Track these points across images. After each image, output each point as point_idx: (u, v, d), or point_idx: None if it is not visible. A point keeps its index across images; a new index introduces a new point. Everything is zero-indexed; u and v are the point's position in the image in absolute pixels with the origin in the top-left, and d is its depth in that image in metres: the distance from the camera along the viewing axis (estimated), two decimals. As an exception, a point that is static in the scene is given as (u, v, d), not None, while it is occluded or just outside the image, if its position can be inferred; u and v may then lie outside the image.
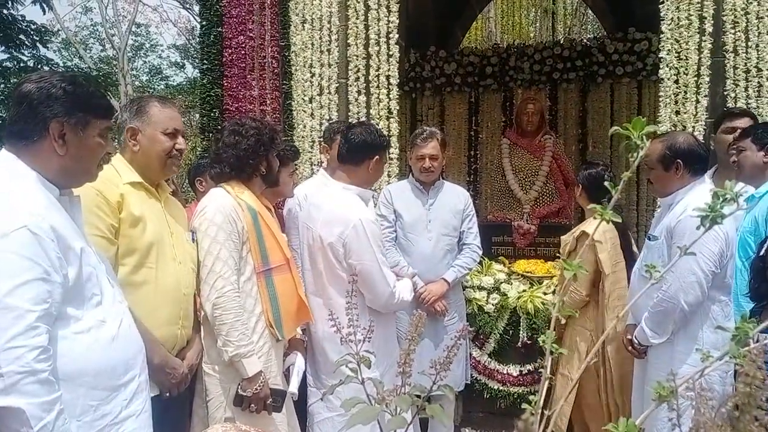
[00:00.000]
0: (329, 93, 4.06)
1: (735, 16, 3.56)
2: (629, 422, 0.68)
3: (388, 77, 3.97)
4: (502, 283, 3.76)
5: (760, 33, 3.54)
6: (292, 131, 4.12)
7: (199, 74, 4.81)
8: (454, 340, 0.85)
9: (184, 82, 20.03)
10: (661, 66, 3.67)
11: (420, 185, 3.40)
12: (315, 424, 2.63)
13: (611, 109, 6.31)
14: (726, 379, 2.35)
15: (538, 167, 4.84)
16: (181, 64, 21.58)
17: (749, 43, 3.55)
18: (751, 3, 3.52)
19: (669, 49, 3.60)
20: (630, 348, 2.71)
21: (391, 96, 3.98)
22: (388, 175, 3.98)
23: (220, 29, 4.28)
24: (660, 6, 3.62)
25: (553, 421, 0.74)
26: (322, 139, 3.64)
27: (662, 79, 3.66)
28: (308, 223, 2.69)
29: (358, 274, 2.52)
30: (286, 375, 2.49)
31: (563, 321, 3.38)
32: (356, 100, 4.01)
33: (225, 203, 2.26)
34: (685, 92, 3.58)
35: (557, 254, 3.81)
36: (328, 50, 4.05)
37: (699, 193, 2.51)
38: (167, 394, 2.05)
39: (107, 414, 1.53)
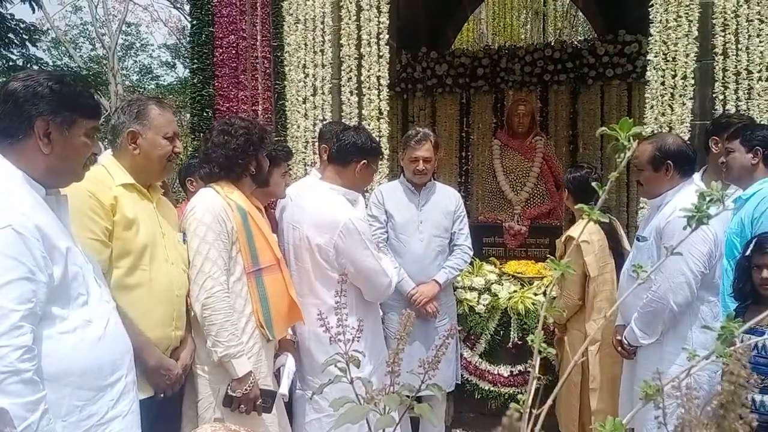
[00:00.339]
0: (323, 93, 4.06)
1: (725, 19, 3.58)
2: (616, 421, 0.69)
3: (378, 78, 3.97)
4: (492, 283, 3.76)
5: (750, 36, 3.56)
6: (285, 131, 4.11)
7: (189, 74, 4.79)
8: (442, 339, 0.86)
9: (175, 82, 19.95)
10: (648, 68, 3.69)
11: (412, 186, 3.41)
12: (302, 425, 2.62)
13: (601, 110, 6.34)
14: (714, 379, 2.37)
15: (528, 168, 4.86)
16: (171, 63, 21.50)
17: (739, 46, 3.57)
18: (742, 6, 3.55)
19: (657, 52, 3.63)
20: (619, 349, 2.73)
21: (381, 97, 3.98)
22: (380, 176, 3.97)
23: (211, 29, 4.26)
24: (649, 9, 3.64)
25: (540, 422, 0.75)
26: (318, 140, 3.63)
27: (649, 81, 3.69)
28: (293, 223, 2.69)
29: (355, 272, 2.55)
30: (277, 376, 2.48)
31: (553, 324, 3.41)
32: (349, 100, 4.01)
33: (214, 203, 2.26)
34: (672, 94, 3.60)
35: (548, 255, 3.82)
36: (322, 51, 4.04)
37: (687, 193, 2.52)
38: (161, 395, 2.05)
39: (93, 414, 1.52)
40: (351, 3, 3.96)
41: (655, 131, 3.54)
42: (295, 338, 2.66)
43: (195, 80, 4.41)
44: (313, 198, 2.72)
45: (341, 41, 4.00)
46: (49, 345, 1.46)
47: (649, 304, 2.51)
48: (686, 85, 3.60)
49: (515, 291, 3.72)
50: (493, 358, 3.70)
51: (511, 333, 3.65)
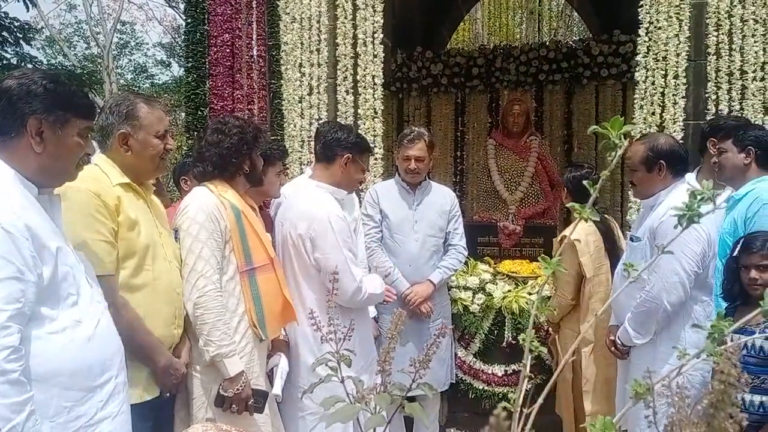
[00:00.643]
0: (318, 93, 4.05)
1: (718, 19, 3.59)
2: (606, 420, 0.68)
3: (373, 77, 3.97)
4: (487, 283, 3.76)
5: (744, 36, 3.57)
6: (281, 131, 4.10)
7: (184, 73, 4.77)
8: (433, 338, 0.85)
9: (170, 81, 19.90)
10: (637, 69, 3.70)
11: (407, 186, 3.40)
12: (286, 425, 2.62)
13: (596, 110, 6.35)
14: (707, 379, 2.38)
15: (523, 168, 4.87)
16: (166, 62, 21.44)
17: (733, 46, 3.58)
18: (735, 6, 3.55)
19: (646, 52, 3.63)
20: (613, 349, 2.73)
21: (376, 96, 3.98)
22: (374, 175, 3.97)
23: (205, 27, 4.24)
24: (639, 9, 3.65)
25: (529, 422, 0.74)
26: (314, 139, 3.63)
27: (638, 81, 3.70)
28: (281, 220, 2.73)
29: (323, 269, 2.56)
30: (270, 376, 2.48)
31: (547, 323, 3.42)
32: (344, 99, 4.00)
33: (207, 202, 2.25)
34: (663, 94, 3.60)
35: (542, 255, 3.82)
36: (318, 50, 4.03)
37: (680, 193, 2.53)
38: (167, 395, 2.06)
39: (82, 415, 1.51)
40: (347, 2, 3.96)
41: (644, 131, 3.54)
42: (287, 338, 2.65)
43: (189, 79, 4.39)
44: (300, 195, 2.76)
45: (337, 40, 3.99)
46: (37, 345, 1.45)
47: (642, 303, 2.52)
48: (678, 85, 3.61)
49: (509, 290, 3.73)
50: (487, 357, 3.70)
51: (506, 332, 3.64)
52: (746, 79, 3.58)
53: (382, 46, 3.98)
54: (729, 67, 3.60)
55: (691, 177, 2.78)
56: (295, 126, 4.04)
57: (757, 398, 2.21)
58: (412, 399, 0.87)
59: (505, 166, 4.92)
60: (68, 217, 1.79)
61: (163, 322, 2.05)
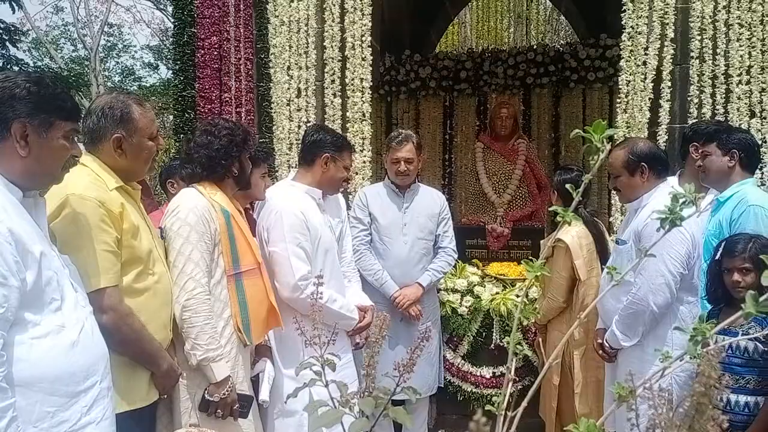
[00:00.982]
0: (306, 96, 4.05)
1: (702, 24, 3.62)
2: (590, 422, 0.69)
3: (362, 80, 3.97)
4: (475, 285, 3.77)
5: (729, 40, 3.60)
6: (269, 133, 4.09)
7: (172, 75, 4.74)
8: (417, 342, 0.85)
9: (158, 84, 19.79)
10: (620, 73, 3.73)
11: (396, 188, 3.40)
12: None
13: (583, 114, 6.41)
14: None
15: (511, 171, 4.89)
16: (154, 65, 21.33)
17: (717, 51, 3.61)
18: (720, 11, 3.59)
19: (629, 57, 3.66)
20: (600, 352, 2.74)
21: (365, 99, 3.98)
22: (362, 178, 3.97)
23: (192, 29, 4.23)
24: (622, 14, 3.68)
25: (513, 425, 0.74)
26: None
27: (620, 87, 3.72)
28: (259, 222, 2.77)
29: (268, 259, 2.57)
30: (254, 382, 2.46)
31: (534, 325, 3.43)
32: (332, 102, 4.00)
33: (198, 204, 2.22)
34: (645, 98, 3.62)
35: (529, 258, 3.83)
36: (306, 53, 4.03)
37: (663, 195, 2.55)
38: (164, 397, 2.06)
39: (65, 421, 1.49)
40: (334, 5, 3.96)
41: (628, 135, 3.57)
42: (270, 343, 2.63)
43: (177, 81, 4.38)
44: (273, 194, 2.80)
45: (324, 43, 3.99)
46: (20, 350, 1.43)
47: (629, 306, 2.53)
48: (663, 89, 3.64)
49: (498, 293, 3.74)
50: (475, 359, 3.71)
51: (494, 334, 3.66)
52: (731, 83, 3.61)
53: (370, 49, 3.98)
54: (713, 71, 3.63)
55: (673, 180, 2.80)
56: (283, 129, 4.02)
57: (742, 398, 2.22)
58: (400, 403, 0.88)
59: (493, 169, 4.94)
60: (74, 227, 1.77)
61: (161, 326, 2.04)
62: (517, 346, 0.85)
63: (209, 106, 4.14)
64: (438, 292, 3.64)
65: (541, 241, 3.41)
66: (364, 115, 3.99)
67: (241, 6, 4.18)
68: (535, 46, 6.76)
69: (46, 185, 1.62)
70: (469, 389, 3.70)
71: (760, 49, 3.58)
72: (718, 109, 3.61)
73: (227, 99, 4.15)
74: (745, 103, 3.60)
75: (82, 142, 2.01)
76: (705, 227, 2.72)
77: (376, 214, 3.34)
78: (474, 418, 0.53)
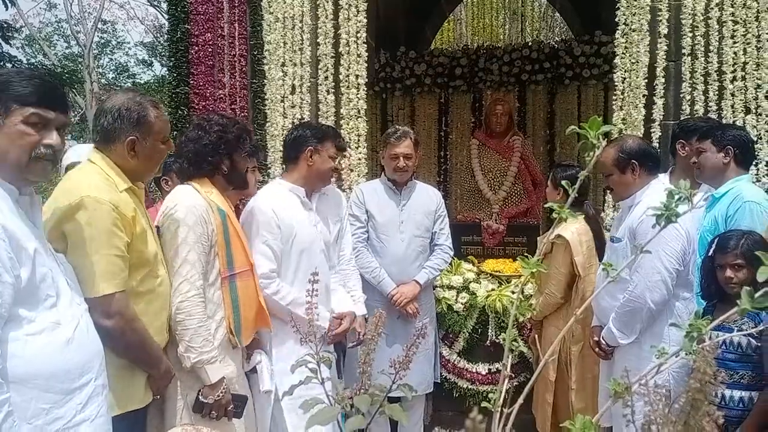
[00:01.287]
0: (301, 92, 4.03)
1: (694, 21, 3.63)
2: (586, 419, 0.69)
3: (357, 77, 3.96)
4: (470, 282, 3.78)
5: (723, 37, 3.61)
6: (262, 130, 4.08)
7: (167, 72, 4.72)
8: (413, 340, 0.85)
9: (152, 80, 19.73)
10: (615, 70, 3.73)
11: (393, 185, 3.39)
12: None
13: (579, 110, 6.41)
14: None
15: (506, 168, 4.90)
16: (148, 61, 21.26)
17: (710, 48, 3.62)
18: (712, 9, 3.59)
19: (623, 53, 3.66)
20: (596, 349, 2.74)
21: (359, 96, 3.97)
22: (358, 175, 3.96)
23: (186, 26, 4.21)
24: (616, 11, 3.68)
25: (510, 422, 0.74)
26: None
27: (615, 84, 3.72)
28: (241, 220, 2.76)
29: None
30: (248, 376, 2.45)
31: (529, 321, 3.43)
32: (326, 99, 3.99)
33: (196, 203, 2.18)
34: (638, 95, 3.62)
35: (525, 255, 3.83)
36: (300, 49, 4.02)
37: (656, 191, 2.55)
38: (157, 397, 2.05)
39: (60, 417, 1.49)
40: (328, 2, 3.95)
41: (623, 131, 3.57)
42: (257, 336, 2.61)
43: (170, 78, 4.36)
44: (259, 192, 2.79)
45: (318, 40, 3.98)
46: (15, 347, 1.43)
47: (626, 304, 2.53)
48: (657, 85, 3.64)
49: (493, 289, 3.74)
50: (471, 356, 3.71)
51: (489, 331, 3.66)
52: (724, 80, 3.62)
53: (365, 45, 3.97)
54: (705, 68, 3.63)
55: (664, 178, 2.80)
56: (277, 126, 4.01)
57: (737, 394, 2.24)
58: (396, 400, 0.87)
59: (489, 165, 4.94)
60: (87, 231, 1.76)
61: (160, 328, 2.04)
62: (513, 343, 0.85)
63: (203, 103, 4.12)
64: (434, 289, 3.64)
65: (538, 238, 3.40)
66: (359, 112, 3.98)
67: (236, 2, 4.16)
68: (530, 43, 6.76)
69: (16, 177, 1.53)
70: (465, 386, 3.71)
71: (755, 46, 3.58)
72: (710, 106, 3.62)
73: (221, 96, 4.14)
74: (741, 100, 3.60)
75: (94, 140, 1.98)
76: (700, 223, 2.73)
77: (373, 211, 3.34)
78: (470, 416, 0.53)
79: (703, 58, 3.63)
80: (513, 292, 3.69)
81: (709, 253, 2.40)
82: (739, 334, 2.19)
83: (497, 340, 3.63)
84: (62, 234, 1.76)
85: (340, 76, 3.97)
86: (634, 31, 3.61)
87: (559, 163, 3.53)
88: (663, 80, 3.64)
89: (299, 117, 4.00)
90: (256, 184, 2.76)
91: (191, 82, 4.18)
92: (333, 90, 3.99)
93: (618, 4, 3.67)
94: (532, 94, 6.62)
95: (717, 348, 2.22)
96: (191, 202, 2.18)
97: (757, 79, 3.58)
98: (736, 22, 3.59)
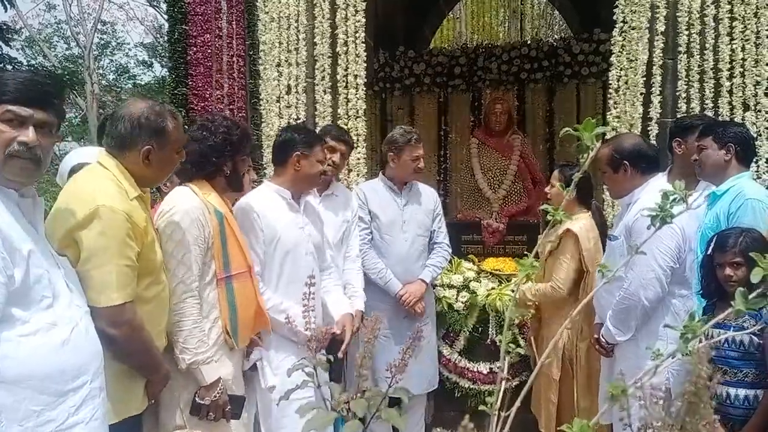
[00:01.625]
0: (297, 92, 4.03)
1: (690, 19, 3.62)
2: (583, 423, 0.68)
3: (356, 77, 3.95)
4: (471, 281, 3.77)
5: (719, 35, 3.60)
6: (258, 130, 4.08)
7: (168, 73, 4.73)
8: (409, 342, 0.85)
9: (153, 81, 19.74)
10: (612, 68, 3.72)
11: (394, 185, 3.39)
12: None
13: (578, 108, 6.40)
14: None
15: (506, 166, 4.90)
16: (148, 62, 21.26)
17: (706, 45, 3.61)
18: (708, 6, 3.58)
19: (620, 51, 3.66)
20: (597, 347, 2.75)
21: (358, 96, 3.96)
22: (357, 175, 3.96)
23: (184, 27, 4.21)
24: (614, 9, 3.68)
25: (507, 424, 0.74)
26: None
27: (611, 82, 3.71)
28: None
29: None
30: (248, 374, 2.44)
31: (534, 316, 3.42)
32: (322, 99, 3.98)
33: (193, 206, 2.18)
34: (635, 93, 3.61)
35: (526, 253, 3.80)
36: (296, 49, 4.01)
37: (654, 190, 2.55)
38: (152, 401, 2.05)
39: (52, 420, 1.48)
40: (324, 1, 3.94)
41: (619, 130, 3.57)
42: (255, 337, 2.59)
43: (170, 79, 4.37)
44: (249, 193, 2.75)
45: (315, 40, 3.97)
46: (7, 347, 1.42)
47: (621, 301, 2.54)
48: (654, 83, 3.63)
49: (493, 288, 3.74)
50: (472, 355, 3.71)
51: (490, 330, 3.66)
52: (720, 78, 3.61)
53: (364, 45, 3.97)
54: (701, 65, 3.62)
55: (662, 177, 2.80)
56: (272, 126, 4.00)
57: (741, 392, 2.23)
58: (398, 400, 0.86)
59: (488, 164, 4.95)
60: (102, 241, 1.75)
61: (161, 332, 2.04)
62: (510, 345, 0.85)
63: (202, 104, 4.12)
64: (434, 288, 3.64)
65: (539, 236, 3.37)
66: (358, 112, 3.98)
67: (233, 2, 4.16)
68: (529, 42, 6.75)
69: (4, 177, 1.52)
70: (466, 385, 3.70)
71: (754, 42, 3.57)
72: (707, 104, 3.61)
73: (219, 96, 4.14)
74: (739, 97, 3.59)
75: (109, 145, 1.97)
76: (701, 221, 2.73)
77: (376, 211, 3.33)
78: (462, 424, 0.52)
79: (698, 56, 3.62)
80: (513, 291, 3.68)
81: (709, 252, 2.40)
82: (741, 333, 2.18)
83: (497, 339, 3.62)
84: (74, 242, 1.75)
85: (338, 76, 3.97)
86: (633, 28, 3.60)
87: (562, 163, 3.50)
88: (660, 78, 3.63)
89: (295, 117, 3.99)
90: (251, 184, 2.72)
91: (190, 83, 4.18)
92: (330, 90, 3.98)
93: (617, 2, 3.66)
94: (531, 93, 6.61)
95: (714, 349, 2.20)
96: (188, 205, 2.17)
97: (756, 75, 3.56)
98: (734, 19, 3.57)
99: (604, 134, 0.80)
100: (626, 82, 3.65)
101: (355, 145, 3.93)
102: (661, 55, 3.63)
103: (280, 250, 2.60)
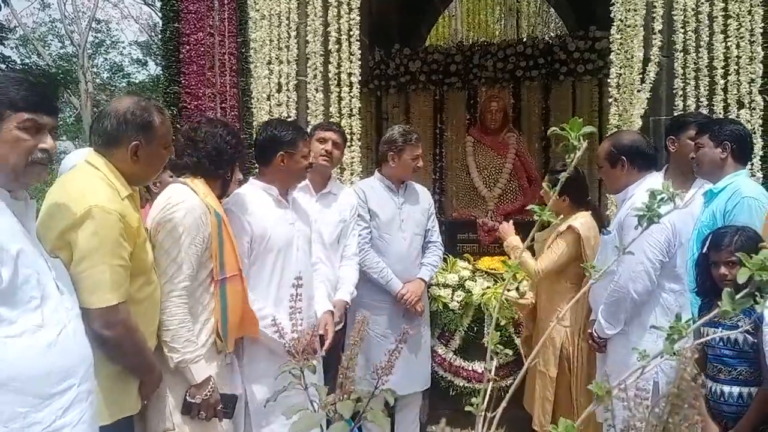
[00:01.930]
0: (287, 90, 4.01)
1: (686, 16, 3.62)
2: (568, 423, 0.68)
3: (350, 75, 3.94)
4: (466, 280, 3.77)
5: (714, 33, 3.60)
6: (250, 128, 4.06)
7: (161, 71, 4.72)
8: (396, 344, 0.84)
9: (147, 80, 19.69)
10: (611, 66, 3.72)
11: (392, 184, 3.39)
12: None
13: (573, 106, 6.39)
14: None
15: (501, 165, 4.90)
16: (143, 61, 21.20)
17: (701, 43, 3.61)
18: (703, 4, 3.58)
19: (618, 49, 3.65)
20: (590, 341, 2.77)
21: (353, 94, 3.95)
22: (351, 174, 3.95)
23: (176, 25, 4.19)
24: (611, 7, 3.67)
25: (494, 425, 0.74)
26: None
27: (610, 80, 3.71)
28: None
29: None
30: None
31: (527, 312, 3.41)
32: (314, 97, 3.97)
33: (196, 205, 2.16)
34: (632, 91, 3.61)
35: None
36: (287, 47, 3.99)
37: (647, 188, 2.56)
38: (145, 402, 2.04)
39: (38, 422, 1.47)
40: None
41: (618, 127, 3.57)
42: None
43: (163, 78, 4.35)
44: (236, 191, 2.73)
45: (307, 38, 3.96)
46: None
47: (611, 294, 2.56)
48: (652, 81, 3.63)
49: (488, 287, 3.73)
50: (467, 354, 3.71)
51: (485, 329, 3.66)
52: (714, 76, 3.61)
53: (358, 43, 3.95)
54: (696, 63, 3.62)
55: (657, 175, 2.80)
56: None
57: (735, 389, 2.23)
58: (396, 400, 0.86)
59: (484, 162, 4.94)
60: (95, 241, 1.74)
61: (152, 332, 2.03)
62: (498, 346, 0.84)
63: (195, 102, 4.11)
64: (429, 287, 3.64)
65: (536, 234, 3.35)
66: (353, 110, 3.97)
67: (225, 1, 4.15)
68: (524, 39, 6.73)
69: (10, 181, 1.55)
70: (461, 384, 3.70)
71: (749, 40, 3.57)
72: (702, 102, 3.61)
73: (211, 94, 4.13)
74: (734, 94, 3.59)
75: (96, 143, 1.96)
76: (697, 218, 2.74)
77: (375, 210, 3.32)
78: (435, 428, 0.52)
79: (694, 53, 3.63)
80: (509, 290, 3.68)
81: (704, 250, 2.40)
82: (735, 332, 2.18)
83: (493, 338, 3.62)
84: (67, 243, 1.74)
85: (330, 74, 3.95)
86: (629, 27, 3.60)
87: (554, 169, 3.47)
88: (657, 76, 3.63)
89: (286, 115, 3.97)
90: (236, 182, 2.70)
91: (182, 81, 4.16)
92: (322, 88, 3.97)
93: (613, 0, 3.66)
94: (526, 91, 6.60)
95: (709, 347, 2.19)
96: (190, 203, 2.15)
97: (750, 73, 3.57)
98: (729, 17, 3.58)
99: (591, 134, 0.80)
100: (625, 81, 3.65)
101: (350, 143, 3.92)
102: (658, 53, 3.63)
103: (271, 248, 2.57)
